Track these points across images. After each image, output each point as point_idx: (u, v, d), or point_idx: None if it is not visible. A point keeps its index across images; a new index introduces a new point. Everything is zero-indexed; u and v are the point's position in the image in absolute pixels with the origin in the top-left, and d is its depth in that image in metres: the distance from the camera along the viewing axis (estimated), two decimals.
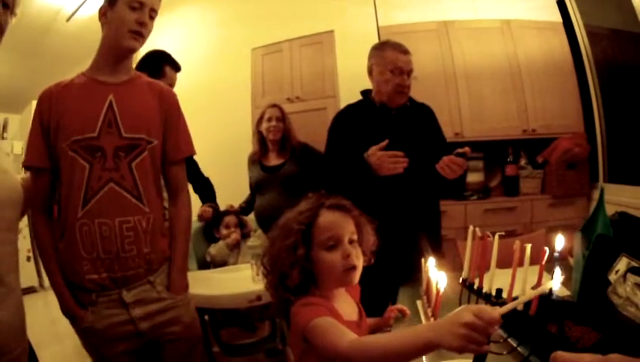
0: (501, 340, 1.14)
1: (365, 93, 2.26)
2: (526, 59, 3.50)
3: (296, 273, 1.17)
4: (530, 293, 0.89)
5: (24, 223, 2.83)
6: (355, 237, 1.24)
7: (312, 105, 3.67)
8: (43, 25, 3.97)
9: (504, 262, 1.25)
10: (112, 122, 1.48)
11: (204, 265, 2.71)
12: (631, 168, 3.13)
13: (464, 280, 1.33)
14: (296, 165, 2.87)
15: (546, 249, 1.06)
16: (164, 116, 1.60)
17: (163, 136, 1.59)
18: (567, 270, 1.62)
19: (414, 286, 1.88)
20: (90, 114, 1.47)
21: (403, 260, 1.86)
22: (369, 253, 1.29)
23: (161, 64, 2.47)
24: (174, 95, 1.71)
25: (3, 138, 5.15)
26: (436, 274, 1.36)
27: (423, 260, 1.63)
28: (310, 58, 3.86)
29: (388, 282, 2.13)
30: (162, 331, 1.57)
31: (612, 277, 1.37)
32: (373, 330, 1.50)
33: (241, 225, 2.86)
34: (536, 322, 1.04)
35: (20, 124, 5.26)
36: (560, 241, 1.09)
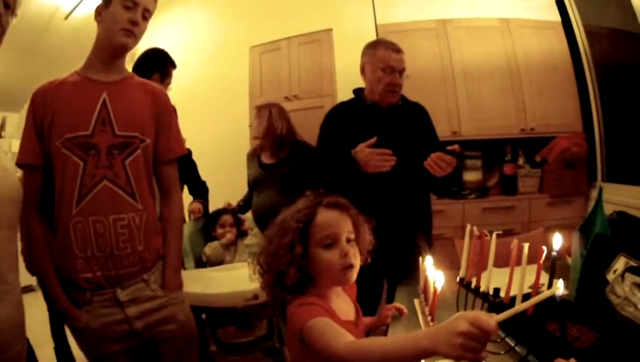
0: (499, 339, 1.13)
1: (358, 91, 2.26)
2: (525, 58, 3.50)
3: (293, 271, 1.16)
4: (532, 300, 0.87)
5: None
6: (353, 236, 1.23)
7: (309, 104, 3.66)
8: (41, 23, 3.95)
9: (502, 261, 1.25)
10: (106, 120, 1.48)
11: (201, 263, 2.70)
12: (629, 167, 3.13)
13: (461, 279, 1.33)
14: (292, 164, 2.86)
15: (544, 248, 1.05)
16: (156, 116, 1.61)
17: (155, 136, 1.60)
18: (565, 269, 1.62)
19: (412, 284, 1.88)
20: (84, 112, 1.47)
21: (393, 259, 1.85)
22: (366, 253, 1.29)
23: (167, 65, 2.49)
24: (167, 95, 1.73)
25: (1, 136, 5.14)
26: (434, 273, 1.36)
27: (420, 259, 1.62)
28: (308, 56, 3.86)
29: (377, 280, 2.14)
30: (157, 330, 1.56)
31: (610, 276, 1.36)
32: (371, 329, 1.50)
33: (238, 224, 2.85)
34: (534, 321, 1.04)
35: (18, 122, 5.23)
36: (558, 240, 1.08)
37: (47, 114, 1.45)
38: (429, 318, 1.40)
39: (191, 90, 4.14)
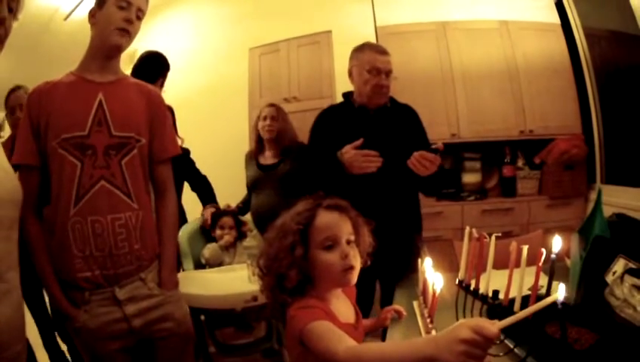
0: (498, 341, 1.13)
1: (347, 94, 2.28)
2: (524, 60, 3.50)
3: (294, 273, 1.17)
4: (535, 306, 0.87)
5: None
6: (353, 238, 1.23)
7: (308, 106, 3.66)
8: (41, 24, 3.95)
9: (501, 263, 1.25)
10: (102, 121, 1.49)
11: (200, 264, 2.70)
12: (628, 170, 3.13)
13: (460, 281, 1.33)
14: (291, 164, 2.86)
15: (543, 250, 1.05)
16: (151, 116, 1.63)
17: (150, 136, 1.62)
18: (564, 271, 1.62)
19: (410, 286, 1.88)
20: (80, 112, 1.48)
21: (383, 260, 1.85)
22: (365, 255, 1.29)
23: (168, 69, 2.52)
24: (161, 96, 1.75)
25: (0, 137, 5.13)
26: (432, 275, 1.35)
27: (419, 261, 1.62)
28: (307, 58, 3.86)
29: (368, 282, 2.14)
30: (155, 328, 1.58)
31: (609, 278, 1.37)
32: (369, 331, 1.49)
33: (238, 226, 2.85)
34: (533, 323, 1.04)
35: None
36: (557, 242, 1.08)
37: (43, 114, 1.46)
38: (428, 320, 1.40)
39: (191, 92, 4.14)
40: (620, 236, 1.46)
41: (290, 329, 1.14)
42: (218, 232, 2.80)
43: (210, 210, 2.89)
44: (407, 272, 2.08)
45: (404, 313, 1.52)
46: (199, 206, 2.99)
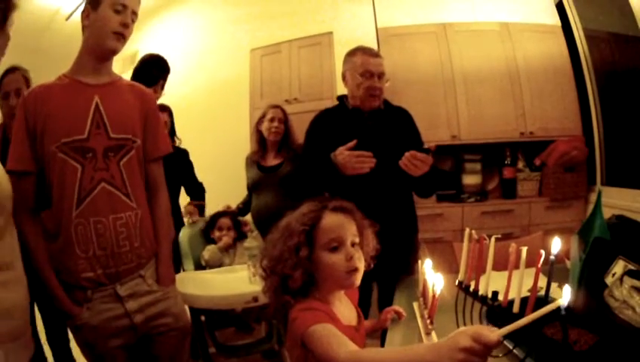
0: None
1: (341, 97, 2.30)
2: (525, 62, 3.50)
3: (299, 274, 1.17)
4: (537, 313, 0.87)
5: None
6: (358, 240, 1.24)
7: (309, 107, 3.65)
8: (42, 24, 3.96)
9: (501, 265, 1.25)
10: (100, 123, 1.51)
11: (200, 265, 2.70)
12: (629, 171, 3.13)
13: (460, 283, 1.33)
14: (293, 166, 2.87)
15: (542, 252, 1.06)
16: (144, 116, 1.65)
17: (143, 136, 1.65)
18: (564, 273, 1.62)
19: (410, 287, 1.88)
20: (78, 115, 1.50)
21: (379, 261, 1.86)
22: (369, 258, 1.29)
23: (168, 72, 2.52)
24: (153, 96, 1.79)
25: None
26: (432, 277, 1.36)
27: (419, 262, 1.63)
28: (309, 59, 3.86)
29: (365, 283, 2.15)
30: (154, 323, 1.61)
31: (609, 280, 1.37)
32: (370, 332, 1.50)
33: (237, 227, 2.85)
34: (532, 324, 1.04)
35: None
36: (556, 244, 1.09)
37: (40, 118, 1.46)
38: (428, 321, 1.40)
39: (192, 93, 4.15)
40: (619, 238, 1.46)
41: (291, 330, 1.14)
42: (217, 234, 2.81)
43: (191, 207, 2.92)
44: (404, 273, 2.08)
45: (404, 314, 1.53)
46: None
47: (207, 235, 2.86)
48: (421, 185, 2.17)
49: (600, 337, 1.19)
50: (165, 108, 2.87)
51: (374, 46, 3.47)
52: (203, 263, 2.69)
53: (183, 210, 2.90)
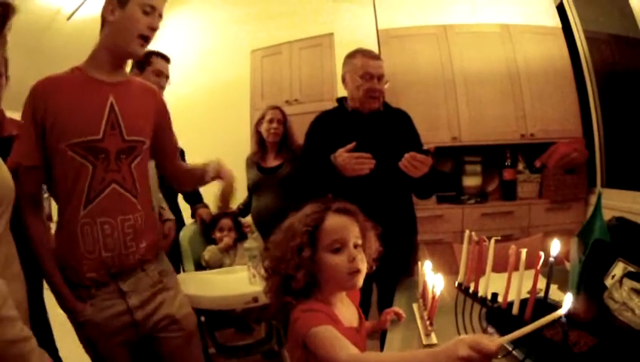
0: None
1: (341, 99, 2.31)
2: (525, 64, 3.51)
3: (301, 275, 1.18)
4: (537, 323, 0.88)
5: None
6: (360, 241, 1.25)
7: (310, 108, 3.65)
8: (43, 23, 3.96)
9: (501, 267, 1.26)
10: (115, 124, 1.47)
11: (201, 266, 2.71)
12: (629, 173, 3.14)
13: (459, 284, 1.33)
14: (293, 167, 2.87)
15: (541, 253, 1.06)
16: (157, 117, 1.63)
17: (157, 137, 1.63)
18: (563, 274, 1.62)
19: (410, 289, 1.88)
20: (92, 114, 1.44)
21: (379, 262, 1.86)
22: (371, 260, 1.30)
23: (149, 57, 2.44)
24: (162, 95, 1.79)
25: None
26: (432, 278, 1.36)
27: (419, 263, 1.63)
28: (309, 61, 3.87)
29: (365, 284, 2.15)
30: (154, 319, 1.57)
31: (608, 282, 1.37)
32: (369, 333, 1.50)
33: (238, 228, 2.86)
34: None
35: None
36: (555, 246, 1.09)
37: (50, 114, 1.41)
38: (428, 323, 1.40)
39: (192, 93, 4.15)
40: (619, 240, 1.46)
41: (293, 331, 1.15)
42: (217, 234, 2.81)
43: (206, 209, 2.91)
44: (404, 275, 2.09)
45: (404, 315, 1.53)
46: None
47: (207, 236, 2.86)
48: (420, 187, 2.17)
49: (599, 339, 1.19)
50: None
51: (375, 47, 3.47)
52: (203, 264, 2.69)
53: (198, 215, 2.91)
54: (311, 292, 1.21)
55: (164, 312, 1.59)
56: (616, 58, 3.27)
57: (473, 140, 3.49)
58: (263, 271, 1.28)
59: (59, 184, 1.46)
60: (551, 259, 1.06)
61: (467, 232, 1.33)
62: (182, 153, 2.97)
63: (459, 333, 1.24)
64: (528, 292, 1.08)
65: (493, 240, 1.22)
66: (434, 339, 1.38)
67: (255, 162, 3.00)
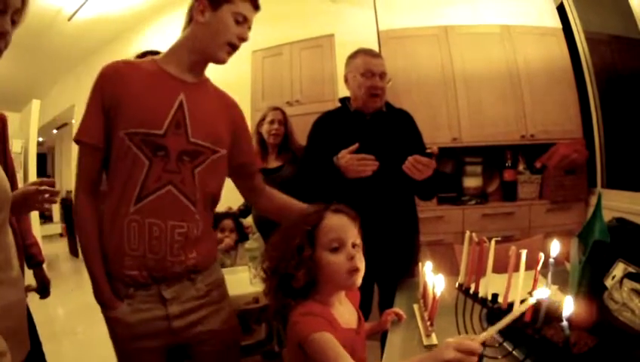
0: (496, 344, 1.14)
1: (343, 100, 2.30)
2: (525, 65, 3.52)
3: (302, 274, 1.19)
4: (514, 313, 0.92)
5: None
6: (359, 241, 1.25)
7: (311, 109, 3.66)
8: (44, 24, 3.97)
9: (501, 267, 1.26)
10: (181, 123, 1.40)
11: None
12: (629, 174, 3.14)
13: (460, 285, 1.34)
14: (294, 168, 2.87)
15: (541, 254, 1.06)
16: (233, 127, 1.57)
17: (233, 148, 1.56)
18: (564, 275, 1.63)
19: (411, 289, 1.88)
20: (159, 108, 1.38)
21: (381, 263, 1.86)
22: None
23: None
24: (239, 105, 1.71)
25: None
26: (433, 279, 1.36)
27: (420, 264, 1.64)
28: (310, 61, 3.87)
29: (366, 284, 2.16)
30: (194, 331, 1.47)
31: (608, 282, 1.37)
32: (370, 334, 1.50)
33: (239, 229, 2.86)
34: (531, 326, 1.05)
35: (20, 122, 5.25)
36: (555, 247, 1.09)
37: (115, 98, 1.36)
38: (428, 323, 1.41)
39: None
40: (619, 240, 1.46)
41: (291, 333, 1.16)
42: (219, 235, 2.80)
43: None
44: (405, 275, 2.09)
45: (404, 316, 1.54)
46: None
47: None
48: (423, 188, 2.17)
49: (599, 339, 1.19)
50: None
51: (375, 48, 3.47)
52: None
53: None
54: (310, 293, 1.22)
55: (206, 327, 1.49)
56: (616, 59, 3.28)
57: (474, 141, 3.49)
58: (262, 273, 1.28)
59: (112, 172, 1.40)
60: (551, 259, 1.06)
61: (468, 233, 1.33)
62: None
63: (459, 334, 1.24)
64: (529, 293, 1.08)
65: (493, 241, 1.22)
66: (434, 340, 1.39)
67: None
